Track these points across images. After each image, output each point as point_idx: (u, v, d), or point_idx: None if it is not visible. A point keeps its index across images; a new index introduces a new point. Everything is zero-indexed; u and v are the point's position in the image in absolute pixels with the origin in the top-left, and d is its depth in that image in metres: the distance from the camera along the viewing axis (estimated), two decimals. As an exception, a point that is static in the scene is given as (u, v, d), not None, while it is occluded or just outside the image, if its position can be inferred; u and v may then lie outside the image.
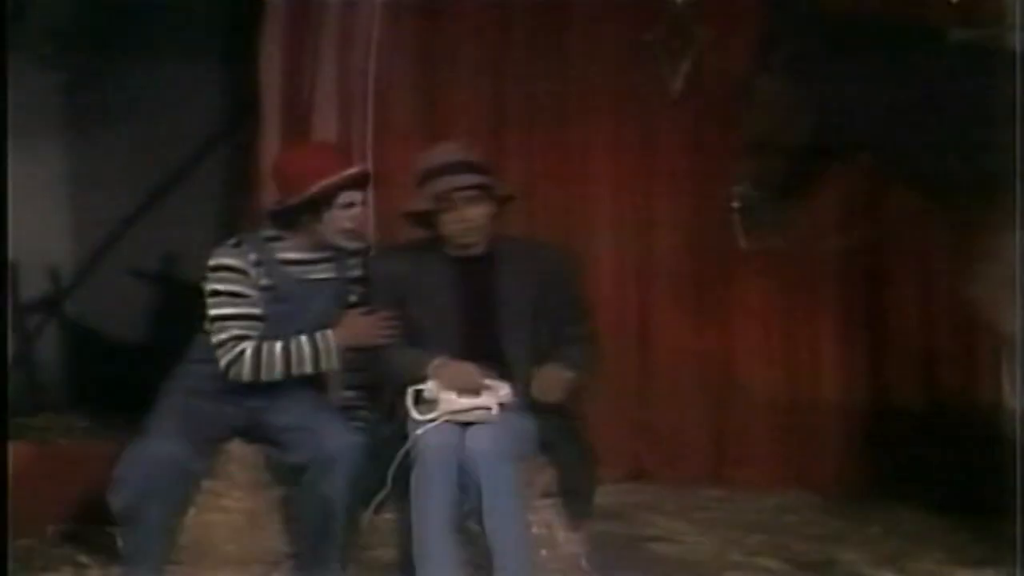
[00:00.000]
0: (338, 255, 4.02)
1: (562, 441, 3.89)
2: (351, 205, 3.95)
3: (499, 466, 3.68)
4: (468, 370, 3.81)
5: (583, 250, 5.21)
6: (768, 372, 5.49)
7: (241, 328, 3.87)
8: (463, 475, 3.69)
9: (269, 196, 4.31)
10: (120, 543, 3.84)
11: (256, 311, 3.90)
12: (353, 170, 4.00)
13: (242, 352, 3.85)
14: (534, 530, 3.84)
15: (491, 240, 3.99)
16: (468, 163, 3.94)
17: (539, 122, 5.48)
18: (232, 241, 3.99)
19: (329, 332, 3.89)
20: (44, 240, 5.52)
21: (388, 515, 3.84)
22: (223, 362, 3.85)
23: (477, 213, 3.92)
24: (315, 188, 3.90)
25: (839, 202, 4.88)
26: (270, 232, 4.02)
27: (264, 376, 3.86)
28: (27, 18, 4.96)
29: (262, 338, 3.87)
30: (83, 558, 4.25)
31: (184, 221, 5.64)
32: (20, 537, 4.02)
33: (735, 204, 4.13)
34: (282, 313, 3.93)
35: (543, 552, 3.85)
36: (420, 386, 3.80)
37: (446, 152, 4.00)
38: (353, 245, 4.01)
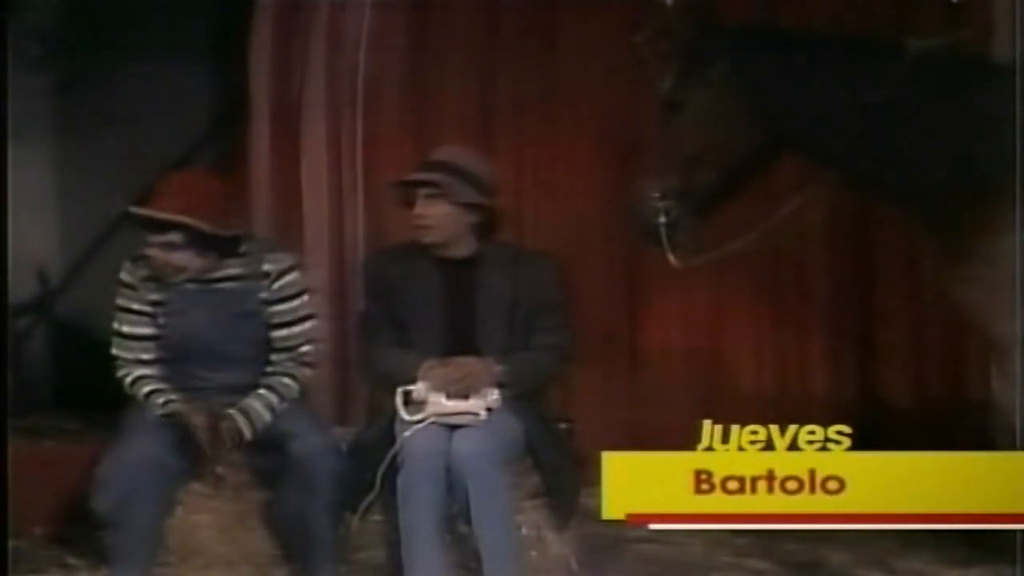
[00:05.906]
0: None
1: (547, 443, 3.89)
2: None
3: (487, 468, 3.68)
4: (459, 372, 3.81)
5: (571, 252, 5.22)
6: (756, 372, 5.50)
7: (134, 350, 3.95)
8: (451, 477, 3.69)
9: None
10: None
11: (146, 331, 3.94)
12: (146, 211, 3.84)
13: (126, 375, 3.94)
14: (523, 532, 3.85)
15: (479, 244, 3.98)
16: (439, 163, 3.91)
17: (528, 122, 5.48)
18: (134, 255, 3.98)
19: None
20: (32, 241, 5.50)
21: (376, 517, 3.84)
22: (118, 374, 3.96)
23: (431, 211, 3.88)
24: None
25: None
26: None
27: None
28: (14, 19, 4.94)
29: (151, 375, 3.92)
30: (72, 560, 4.24)
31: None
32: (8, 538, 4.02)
33: (662, 220, 3.97)
34: (181, 324, 3.92)
35: (532, 554, 3.85)
36: (410, 387, 3.80)
37: (438, 151, 4.00)
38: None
